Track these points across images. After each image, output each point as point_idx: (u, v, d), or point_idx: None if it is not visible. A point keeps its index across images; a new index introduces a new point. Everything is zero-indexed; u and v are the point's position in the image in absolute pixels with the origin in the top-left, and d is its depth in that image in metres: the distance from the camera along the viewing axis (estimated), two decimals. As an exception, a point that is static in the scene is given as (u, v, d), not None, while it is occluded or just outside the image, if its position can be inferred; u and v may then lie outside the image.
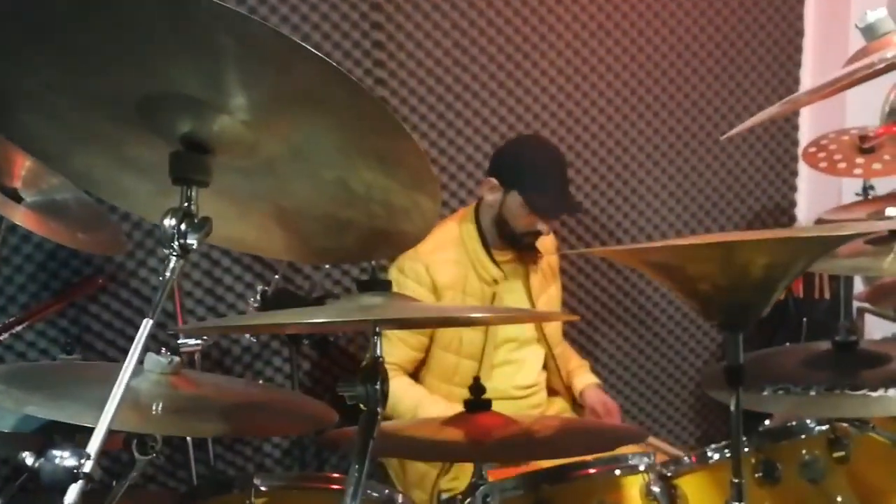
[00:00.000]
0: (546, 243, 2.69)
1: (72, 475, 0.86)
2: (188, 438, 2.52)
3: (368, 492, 1.55)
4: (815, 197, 3.48)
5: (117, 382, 0.93)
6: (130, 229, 2.72)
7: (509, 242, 2.51)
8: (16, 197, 1.91)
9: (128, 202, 1.36)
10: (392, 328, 1.10)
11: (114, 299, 2.75)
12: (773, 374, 1.58)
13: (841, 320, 3.12)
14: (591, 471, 1.58)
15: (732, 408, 1.19)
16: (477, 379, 1.43)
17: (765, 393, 1.51)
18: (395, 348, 2.40)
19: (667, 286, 1.18)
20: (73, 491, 0.85)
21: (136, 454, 1.33)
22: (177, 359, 1.34)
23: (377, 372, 1.08)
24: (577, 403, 2.68)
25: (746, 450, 1.73)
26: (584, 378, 2.70)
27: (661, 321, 3.42)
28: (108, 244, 2.09)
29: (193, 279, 2.82)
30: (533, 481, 1.56)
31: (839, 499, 1.73)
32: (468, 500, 1.35)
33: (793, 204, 3.54)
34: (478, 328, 2.48)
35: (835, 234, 1.03)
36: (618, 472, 1.59)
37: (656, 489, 1.59)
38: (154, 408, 1.24)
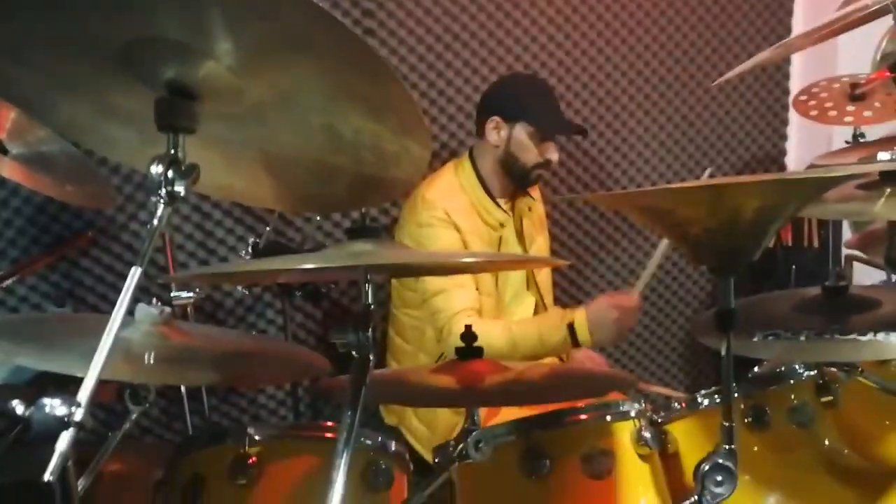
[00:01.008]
0: (535, 192, 2.70)
1: (63, 423, 0.86)
2: (183, 390, 2.52)
3: (362, 440, 1.56)
4: (805, 145, 3.48)
5: (107, 330, 0.93)
6: (120, 183, 2.70)
7: (518, 180, 2.52)
8: (1, 149, 1.88)
9: (114, 151, 1.35)
10: (382, 274, 1.10)
11: (105, 253, 2.74)
12: (763, 320, 1.59)
13: (831, 266, 3.13)
14: (583, 417, 1.59)
15: (723, 352, 1.19)
16: (469, 327, 1.44)
17: (755, 339, 1.52)
18: (455, 295, 2.35)
19: (657, 232, 1.17)
20: (65, 439, 0.85)
21: (130, 404, 1.34)
22: (168, 309, 1.34)
23: (368, 318, 1.08)
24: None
25: (736, 395, 1.74)
26: None
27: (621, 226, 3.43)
28: (97, 197, 2.06)
29: (185, 232, 2.81)
30: (525, 427, 1.57)
31: (827, 442, 1.75)
32: (460, 445, 1.35)
33: (783, 153, 3.53)
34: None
35: (826, 176, 1.03)
36: (609, 417, 1.61)
37: (647, 435, 1.60)
38: (146, 358, 1.23)
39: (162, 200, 1.05)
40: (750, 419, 1.73)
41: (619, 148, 3.27)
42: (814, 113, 2.85)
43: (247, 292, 2.74)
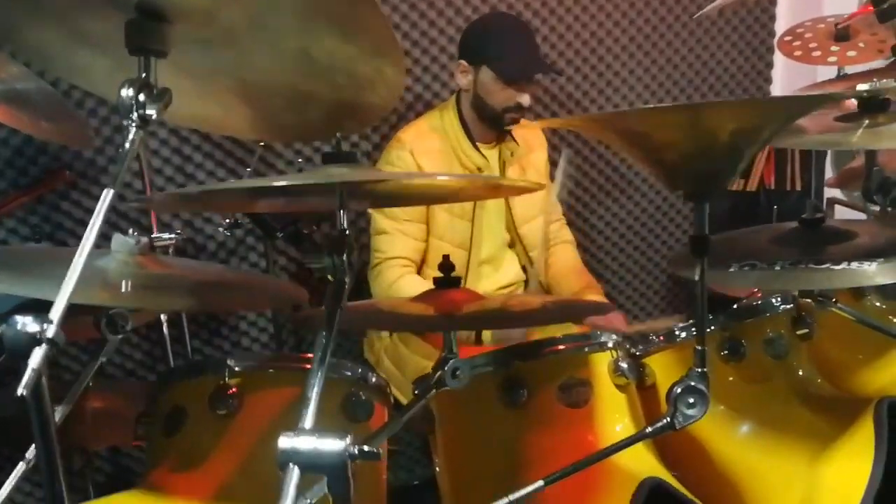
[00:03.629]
0: (531, 139, 2.68)
1: (34, 340, 0.86)
2: (165, 331, 2.53)
3: (342, 371, 1.58)
4: (789, 87, 3.47)
5: (79, 250, 0.92)
6: (99, 125, 2.68)
7: (492, 124, 2.49)
8: (-26, 85, 1.85)
9: (85, 80, 1.33)
10: (361, 201, 1.09)
11: (84, 196, 2.72)
12: (740, 252, 1.60)
13: (808, 199, 3.14)
14: (560, 347, 1.61)
15: (696, 277, 1.20)
16: (447, 257, 1.44)
17: (731, 269, 1.54)
18: (397, 241, 2.42)
19: (632, 157, 1.17)
20: (37, 355, 0.85)
21: (107, 334, 1.33)
22: (144, 239, 1.34)
23: (343, 243, 1.08)
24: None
25: (713, 328, 1.76)
26: (588, 298, 2.56)
27: (635, 199, 3.45)
28: (74, 136, 2.03)
29: (162, 156, 2.79)
30: (503, 358, 1.58)
31: (801, 373, 1.78)
32: (437, 373, 1.36)
33: (767, 94, 3.52)
34: (465, 219, 2.49)
35: (800, 97, 1.02)
36: (587, 349, 1.62)
37: (624, 365, 1.62)
38: (123, 285, 1.23)
39: (134, 124, 1.04)
40: (726, 351, 1.75)
41: (602, 90, 3.26)
42: (798, 53, 2.83)
43: (228, 233, 2.73)
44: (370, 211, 2.52)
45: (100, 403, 2.07)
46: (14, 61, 2.05)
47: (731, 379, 1.75)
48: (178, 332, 2.64)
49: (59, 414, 1.29)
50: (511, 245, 2.68)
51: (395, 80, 1.12)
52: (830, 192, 3.48)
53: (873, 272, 1.41)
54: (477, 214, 2.52)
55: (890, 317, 2.01)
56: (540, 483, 1.22)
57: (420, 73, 3.00)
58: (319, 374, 0.98)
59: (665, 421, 1.24)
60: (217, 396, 1.52)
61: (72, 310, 1.39)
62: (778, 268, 1.48)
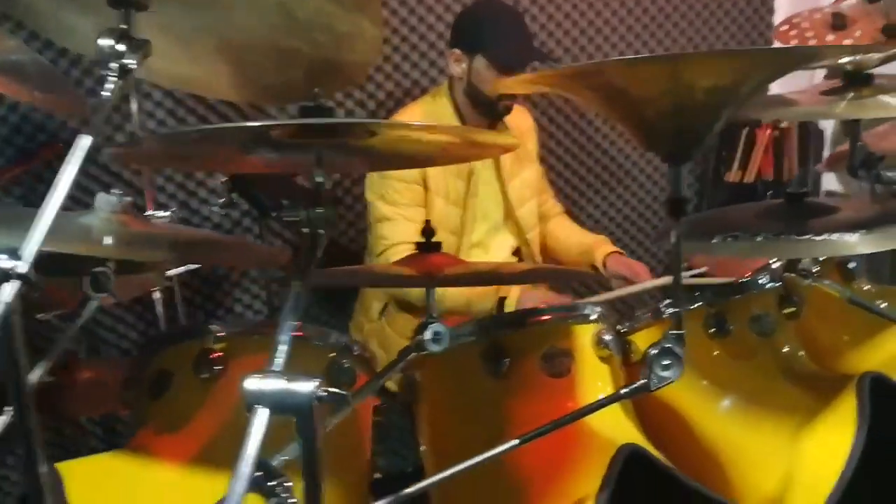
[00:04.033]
0: (522, 124, 2.69)
1: (5, 275, 0.87)
2: (159, 311, 2.53)
3: (327, 340, 1.59)
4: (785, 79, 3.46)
5: (55, 188, 0.94)
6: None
7: (486, 112, 2.50)
8: (-31, 55, 1.87)
9: (72, 41, 1.34)
10: (339, 156, 1.10)
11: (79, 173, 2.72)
12: (725, 226, 1.61)
13: (795, 176, 3.14)
14: (544, 318, 1.62)
15: (673, 240, 1.20)
16: (428, 222, 1.45)
17: (714, 241, 1.54)
18: (400, 226, 2.42)
19: (610, 116, 1.18)
20: (7, 289, 0.87)
21: (91, 292, 1.35)
22: (128, 198, 1.35)
23: (319, 195, 1.09)
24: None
25: (699, 304, 1.77)
26: (602, 249, 2.60)
27: (625, 166, 3.45)
28: (68, 106, 2.05)
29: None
30: (486, 327, 1.59)
31: (786, 350, 1.78)
32: (417, 337, 1.37)
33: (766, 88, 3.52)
34: (458, 206, 2.50)
35: (781, 49, 1.03)
36: (570, 320, 1.63)
37: (607, 337, 1.62)
38: (105, 240, 1.24)
39: (111, 74, 1.05)
40: (712, 328, 1.76)
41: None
42: (794, 42, 2.84)
43: (223, 213, 2.74)
44: (369, 199, 2.52)
45: (89, 374, 2.08)
46: (11, 35, 2.06)
47: (715, 354, 1.75)
48: (173, 311, 2.64)
49: (39, 371, 1.31)
50: (502, 227, 2.68)
51: (374, 36, 1.13)
52: (827, 185, 3.48)
53: (855, 242, 1.41)
54: (469, 203, 2.53)
55: (878, 301, 2.01)
56: (515, 442, 1.22)
57: (417, 58, 3.00)
58: (289, 320, 0.99)
59: (640, 382, 1.24)
60: (201, 361, 1.53)
61: (57, 274, 1.41)
62: (760, 239, 1.48)
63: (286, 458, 1.16)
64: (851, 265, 1.98)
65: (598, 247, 2.62)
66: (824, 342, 1.93)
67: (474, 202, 2.55)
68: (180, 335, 1.61)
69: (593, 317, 1.64)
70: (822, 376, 1.76)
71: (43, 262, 1.52)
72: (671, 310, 1.76)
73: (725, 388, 1.72)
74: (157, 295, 2.52)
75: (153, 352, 1.63)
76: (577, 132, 3.28)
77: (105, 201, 1.33)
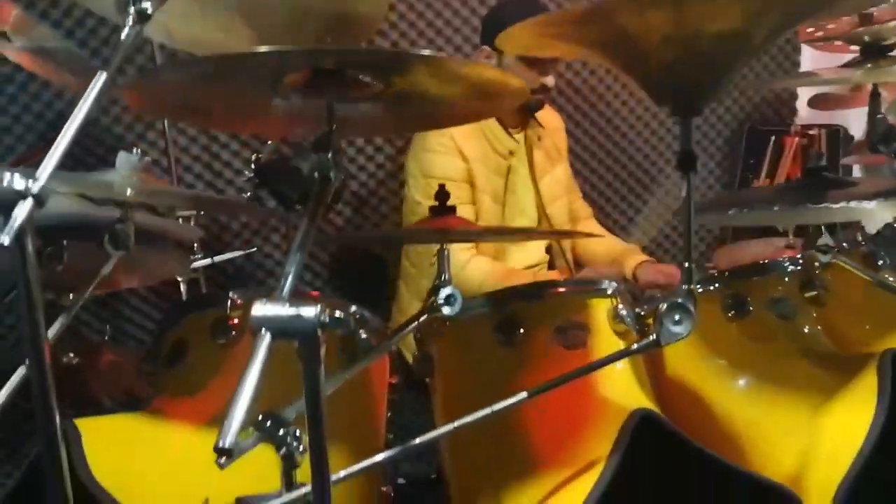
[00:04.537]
0: (552, 122, 2.72)
1: (20, 195, 0.90)
2: (182, 288, 2.53)
3: (345, 311, 1.60)
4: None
5: (71, 119, 0.96)
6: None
7: (519, 107, 2.51)
8: (6, 38, 1.93)
9: (95, 3, 1.38)
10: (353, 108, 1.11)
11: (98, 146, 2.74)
12: (745, 201, 1.61)
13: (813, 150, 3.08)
14: (560, 290, 1.62)
15: (683, 193, 1.20)
16: (442, 186, 1.46)
17: (731, 212, 1.54)
18: None
19: (619, 67, 1.18)
20: (22, 207, 0.89)
21: (110, 248, 1.37)
22: (147, 158, 1.38)
23: (329, 142, 1.11)
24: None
25: (718, 285, 1.76)
26: (632, 259, 2.56)
27: (651, 171, 3.43)
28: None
29: (192, 154, 2.84)
30: (502, 298, 1.60)
31: (806, 331, 1.76)
32: (431, 299, 1.38)
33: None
34: (497, 200, 2.52)
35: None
36: (586, 294, 1.62)
37: (623, 312, 1.61)
38: (127, 192, 1.27)
39: (130, 18, 1.08)
40: (731, 309, 1.75)
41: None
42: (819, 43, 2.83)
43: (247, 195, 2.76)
44: (418, 200, 2.50)
45: (112, 357, 2.13)
46: (42, 23, 2.13)
47: (734, 335, 1.74)
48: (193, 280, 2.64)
49: (57, 325, 1.33)
50: (536, 223, 2.69)
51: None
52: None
53: (872, 209, 1.40)
54: (508, 199, 2.55)
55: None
56: (524, 395, 1.22)
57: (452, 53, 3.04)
58: (299, 255, 1.01)
59: (651, 338, 1.23)
60: (218, 326, 1.55)
61: (77, 237, 1.44)
62: (776, 208, 1.48)
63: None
64: (879, 261, 1.94)
65: (628, 256, 2.59)
66: (847, 332, 1.89)
67: (513, 199, 2.58)
68: (198, 304, 1.63)
69: (610, 291, 1.63)
70: (842, 357, 1.74)
71: (64, 226, 1.56)
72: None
73: (744, 368, 1.71)
74: (183, 287, 2.56)
75: (172, 322, 1.65)
76: (602, 136, 3.29)
77: (126, 160, 1.36)
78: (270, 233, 2.99)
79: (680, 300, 1.22)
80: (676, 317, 1.22)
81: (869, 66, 1.49)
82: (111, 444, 1.37)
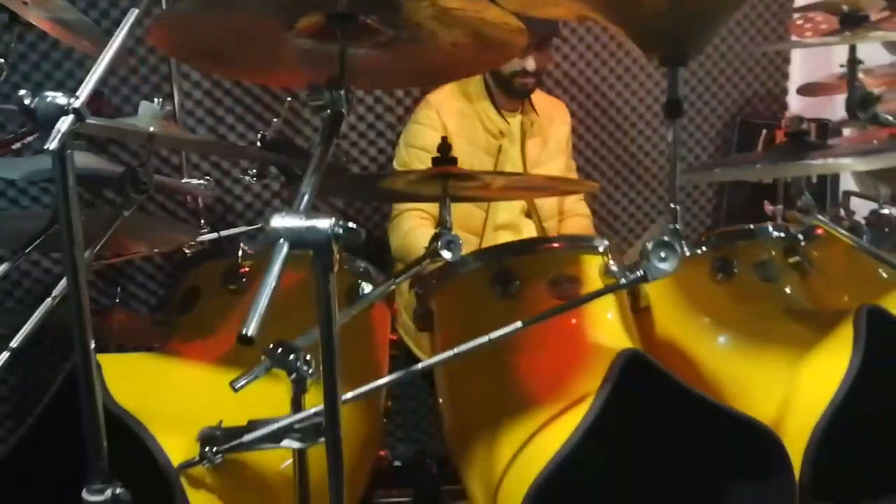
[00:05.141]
0: (552, 112, 2.81)
1: (62, 110, 0.98)
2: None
3: (351, 264, 1.68)
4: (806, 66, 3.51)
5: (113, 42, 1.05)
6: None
7: (508, 91, 2.61)
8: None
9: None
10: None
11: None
12: (730, 163, 1.69)
13: (828, 202, 3.14)
14: (553, 245, 1.70)
15: (670, 138, 1.28)
16: (444, 138, 1.54)
17: (716, 170, 1.63)
18: None
19: (608, 17, 1.27)
20: (64, 121, 0.97)
21: (130, 192, 1.46)
22: (169, 107, 1.46)
23: (341, 81, 1.19)
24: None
25: (705, 249, 1.85)
26: None
27: (652, 170, 3.45)
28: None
29: (196, 116, 2.90)
30: (498, 252, 1.68)
31: (788, 291, 1.84)
32: (432, 245, 1.46)
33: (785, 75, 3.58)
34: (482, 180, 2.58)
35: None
36: (578, 249, 1.70)
37: (615, 268, 1.69)
38: (150, 128, 1.35)
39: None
40: (719, 272, 1.83)
41: (614, 53, 3.33)
42: (808, 34, 2.93)
43: (254, 180, 2.85)
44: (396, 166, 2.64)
45: (123, 317, 2.21)
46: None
47: (720, 295, 1.83)
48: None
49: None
50: (528, 215, 2.76)
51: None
52: (845, 185, 3.53)
53: (849, 162, 1.49)
54: None
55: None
56: (518, 324, 1.30)
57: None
58: (314, 177, 1.09)
59: (638, 273, 1.31)
60: (229, 273, 1.64)
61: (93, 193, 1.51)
62: (758, 165, 1.56)
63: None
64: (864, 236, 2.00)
65: None
66: (826, 300, 1.97)
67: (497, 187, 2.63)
68: (209, 254, 1.71)
69: (601, 249, 1.71)
70: (821, 314, 1.82)
71: (87, 177, 1.64)
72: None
73: (729, 326, 1.79)
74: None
75: (184, 271, 1.73)
76: (606, 134, 3.36)
77: (148, 108, 1.44)
78: (274, 213, 3.06)
79: (666, 238, 1.30)
80: (662, 254, 1.30)
81: (847, 33, 1.58)
82: (129, 376, 1.45)
